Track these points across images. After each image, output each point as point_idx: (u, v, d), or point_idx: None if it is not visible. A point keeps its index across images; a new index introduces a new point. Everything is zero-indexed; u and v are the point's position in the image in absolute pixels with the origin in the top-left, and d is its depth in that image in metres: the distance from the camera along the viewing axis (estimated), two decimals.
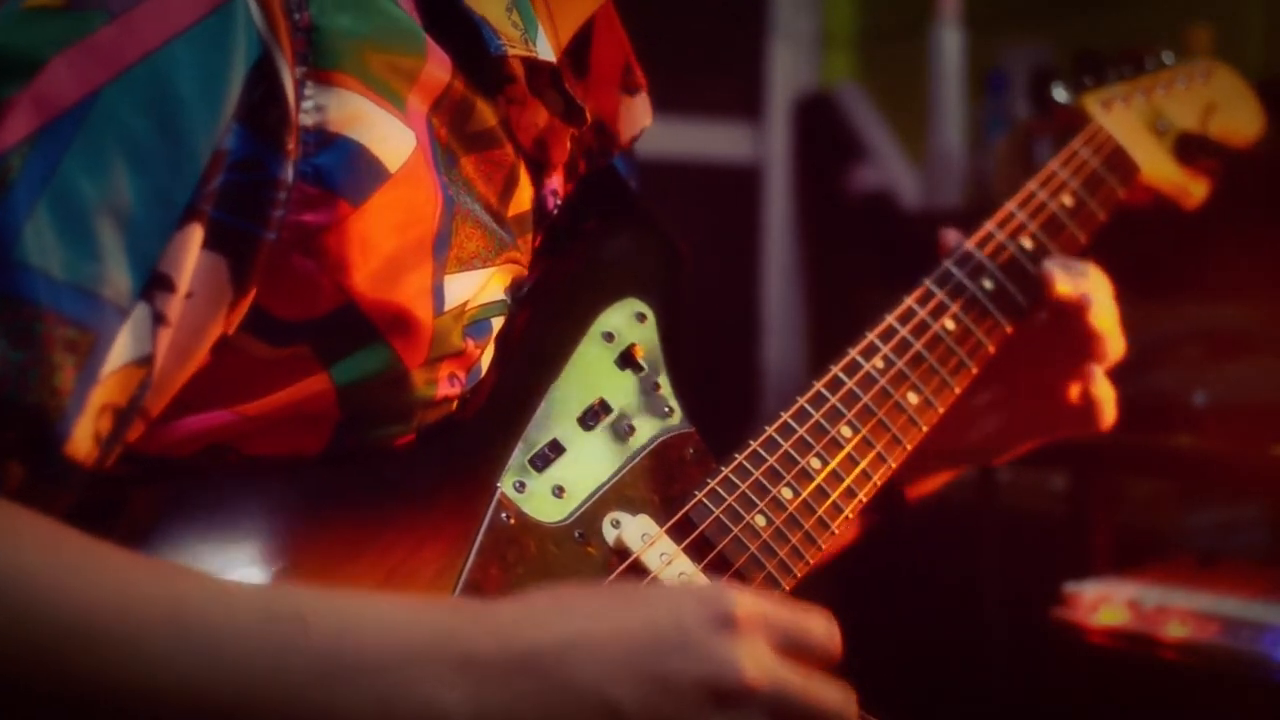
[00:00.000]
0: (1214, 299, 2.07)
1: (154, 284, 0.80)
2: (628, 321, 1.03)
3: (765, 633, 0.77)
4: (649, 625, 0.75)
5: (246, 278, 0.83)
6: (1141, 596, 1.75)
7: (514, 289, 0.98)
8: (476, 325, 0.94)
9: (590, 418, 0.99)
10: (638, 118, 1.13)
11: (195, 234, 0.81)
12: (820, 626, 0.81)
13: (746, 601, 0.77)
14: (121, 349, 0.79)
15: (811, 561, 1.01)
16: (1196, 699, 1.71)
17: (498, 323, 0.96)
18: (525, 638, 0.74)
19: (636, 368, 1.02)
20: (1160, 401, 1.98)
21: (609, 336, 1.02)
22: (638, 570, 0.94)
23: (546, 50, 0.96)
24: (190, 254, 0.81)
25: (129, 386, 0.80)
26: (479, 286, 0.94)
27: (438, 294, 0.90)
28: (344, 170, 0.84)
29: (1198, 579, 1.82)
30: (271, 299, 0.85)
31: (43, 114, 0.77)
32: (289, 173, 0.83)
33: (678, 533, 0.97)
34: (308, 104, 0.83)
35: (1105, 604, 1.77)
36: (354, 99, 0.85)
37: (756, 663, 0.75)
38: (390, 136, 0.87)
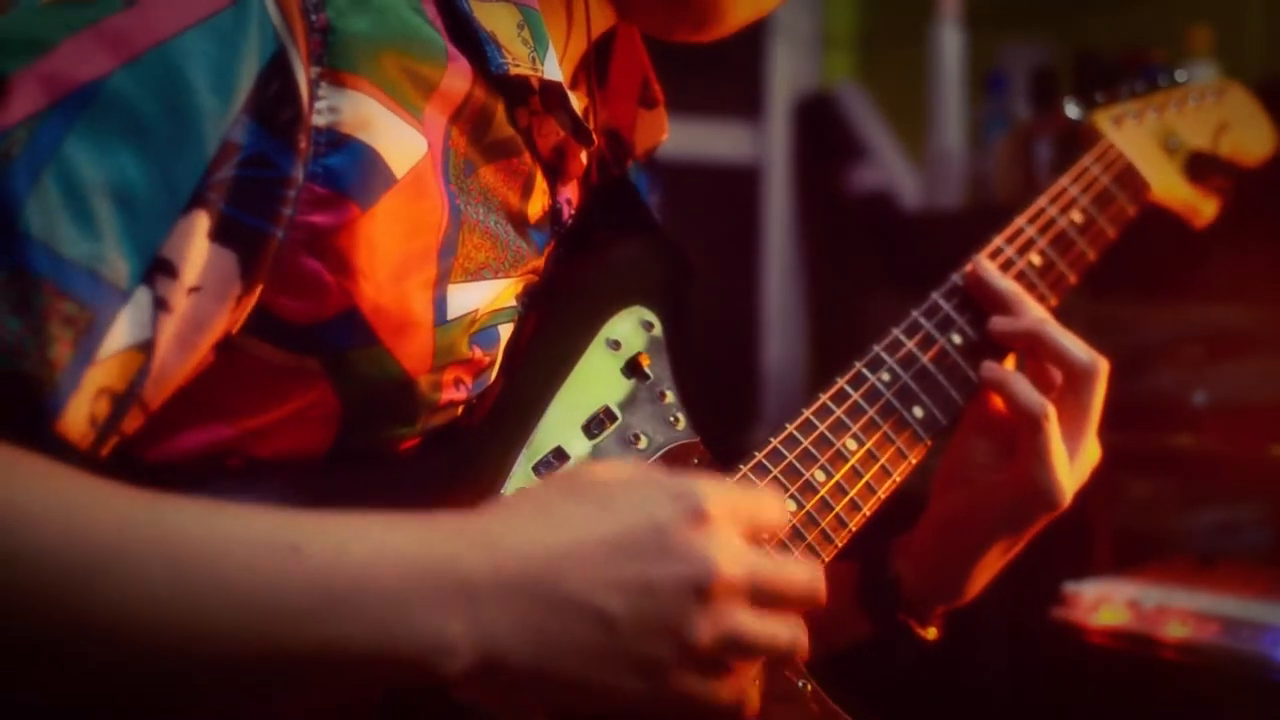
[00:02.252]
0: (1214, 299, 2.07)
1: (156, 269, 0.80)
2: (634, 330, 1.03)
3: (733, 521, 0.80)
4: (629, 531, 0.77)
5: (254, 273, 0.84)
6: (1141, 596, 1.75)
7: (524, 296, 0.98)
8: (484, 333, 0.94)
9: (595, 426, 0.99)
10: (654, 131, 1.13)
11: (201, 221, 0.81)
12: (774, 505, 0.84)
13: (712, 494, 0.79)
14: (121, 332, 0.79)
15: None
16: (1196, 699, 1.71)
17: (506, 330, 0.96)
18: (516, 557, 0.75)
19: (643, 376, 1.02)
20: (1160, 401, 1.98)
21: (615, 344, 1.02)
22: None
23: (554, 70, 0.96)
24: (195, 242, 0.81)
25: (128, 372, 0.80)
26: (491, 297, 0.94)
27: (440, 303, 0.90)
28: (355, 173, 0.85)
29: (1198, 579, 1.82)
30: (280, 300, 0.85)
31: (49, 93, 0.77)
32: (300, 171, 0.83)
33: None
34: (321, 104, 0.83)
35: (1105, 604, 1.77)
36: (367, 102, 0.85)
37: (731, 554, 0.78)
38: (400, 142, 0.87)
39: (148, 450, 0.86)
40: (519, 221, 0.97)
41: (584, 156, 1.01)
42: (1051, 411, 1.07)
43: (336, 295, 0.86)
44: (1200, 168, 1.32)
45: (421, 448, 0.93)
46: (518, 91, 0.95)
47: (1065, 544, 2.07)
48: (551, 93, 0.97)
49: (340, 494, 0.89)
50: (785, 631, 0.81)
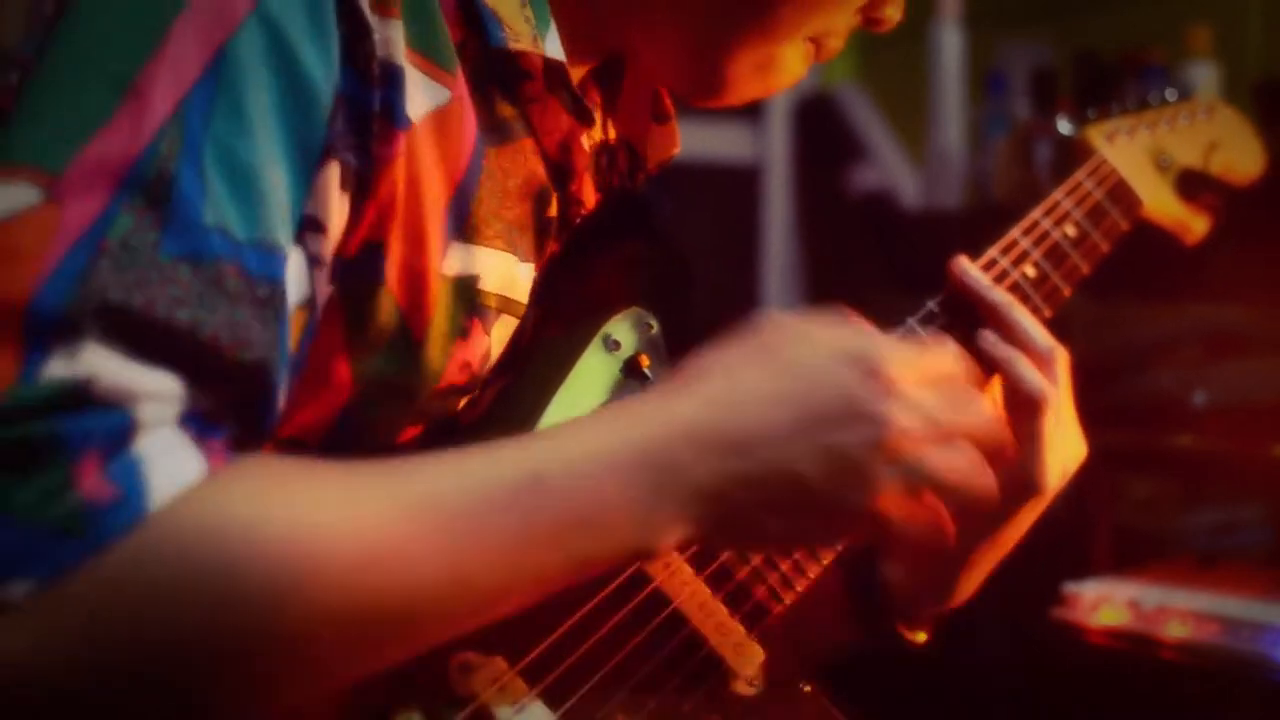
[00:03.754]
0: (1214, 299, 2.07)
1: (306, 227, 0.81)
2: (633, 331, 1.03)
3: (913, 378, 0.86)
4: (822, 404, 0.85)
5: (360, 213, 0.85)
6: (1141, 596, 1.76)
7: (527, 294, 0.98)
8: (482, 310, 0.94)
9: None
10: (666, 145, 1.14)
11: (334, 173, 0.82)
12: (946, 355, 0.92)
13: (891, 356, 0.86)
14: (291, 294, 0.80)
15: (812, 577, 1.02)
16: (1196, 699, 1.71)
17: (503, 319, 0.96)
18: (721, 442, 0.83)
19: (642, 378, 1.02)
20: (1160, 401, 1.98)
21: (614, 345, 1.02)
22: (641, 576, 0.95)
23: (556, 49, 0.96)
24: (331, 193, 0.82)
25: (298, 331, 0.81)
26: (491, 268, 0.94)
27: (448, 256, 0.91)
28: (403, 104, 0.85)
29: (1198, 579, 1.83)
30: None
31: (180, 84, 0.77)
32: (376, 104, 0.84)
33: None
34: (376, 36, 0.84)
35: (1105, 604, 1.77)
36: (404, 34, 0.85)
37: (913, 411, 0.85)
38: (425, 86, 0.88)
39: None
40: (513, 215, 0.97)
41: (586, 143, 1.01)
42: (1052, 395, 1.07)
43: (367, 229, 0.86)
44: (1192, 185, 1.33)
45: (420, 442, 0.93)
46: (515, 73, 0.96)
47: (1065, 544, 2.08)
48: (553, 71, 0.97)
49: None
50: (963, 462, 0.87)
